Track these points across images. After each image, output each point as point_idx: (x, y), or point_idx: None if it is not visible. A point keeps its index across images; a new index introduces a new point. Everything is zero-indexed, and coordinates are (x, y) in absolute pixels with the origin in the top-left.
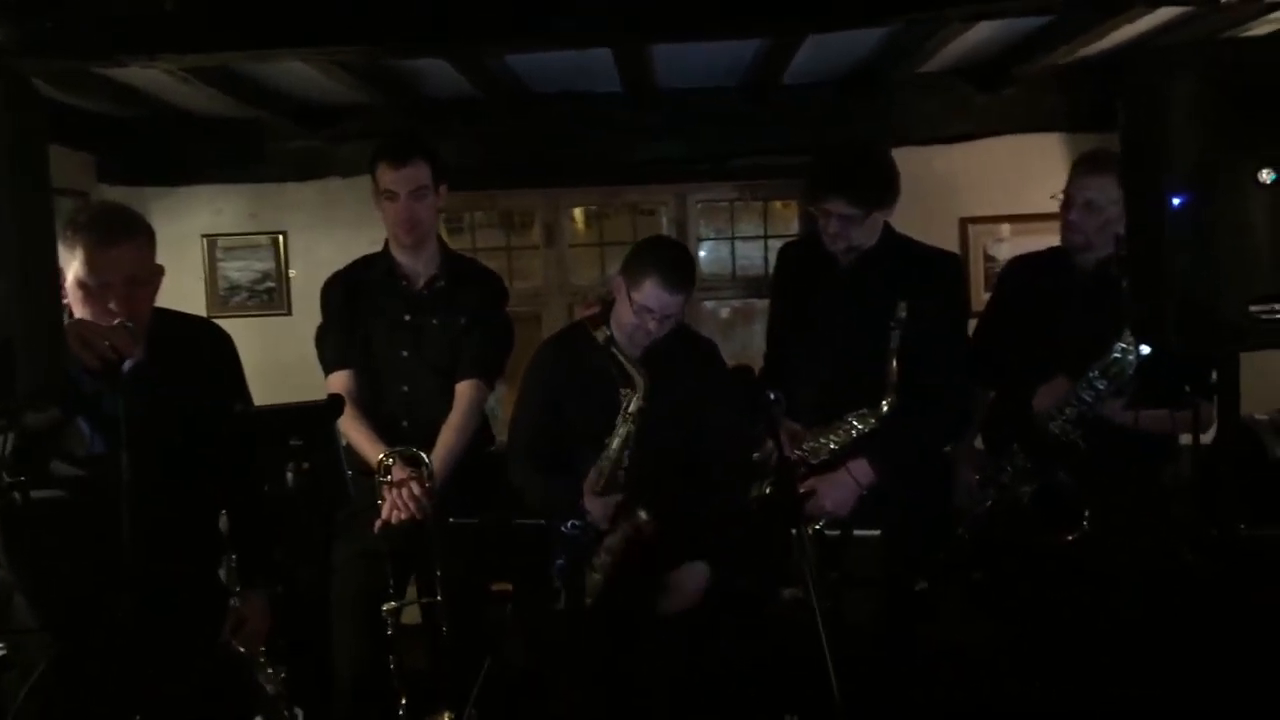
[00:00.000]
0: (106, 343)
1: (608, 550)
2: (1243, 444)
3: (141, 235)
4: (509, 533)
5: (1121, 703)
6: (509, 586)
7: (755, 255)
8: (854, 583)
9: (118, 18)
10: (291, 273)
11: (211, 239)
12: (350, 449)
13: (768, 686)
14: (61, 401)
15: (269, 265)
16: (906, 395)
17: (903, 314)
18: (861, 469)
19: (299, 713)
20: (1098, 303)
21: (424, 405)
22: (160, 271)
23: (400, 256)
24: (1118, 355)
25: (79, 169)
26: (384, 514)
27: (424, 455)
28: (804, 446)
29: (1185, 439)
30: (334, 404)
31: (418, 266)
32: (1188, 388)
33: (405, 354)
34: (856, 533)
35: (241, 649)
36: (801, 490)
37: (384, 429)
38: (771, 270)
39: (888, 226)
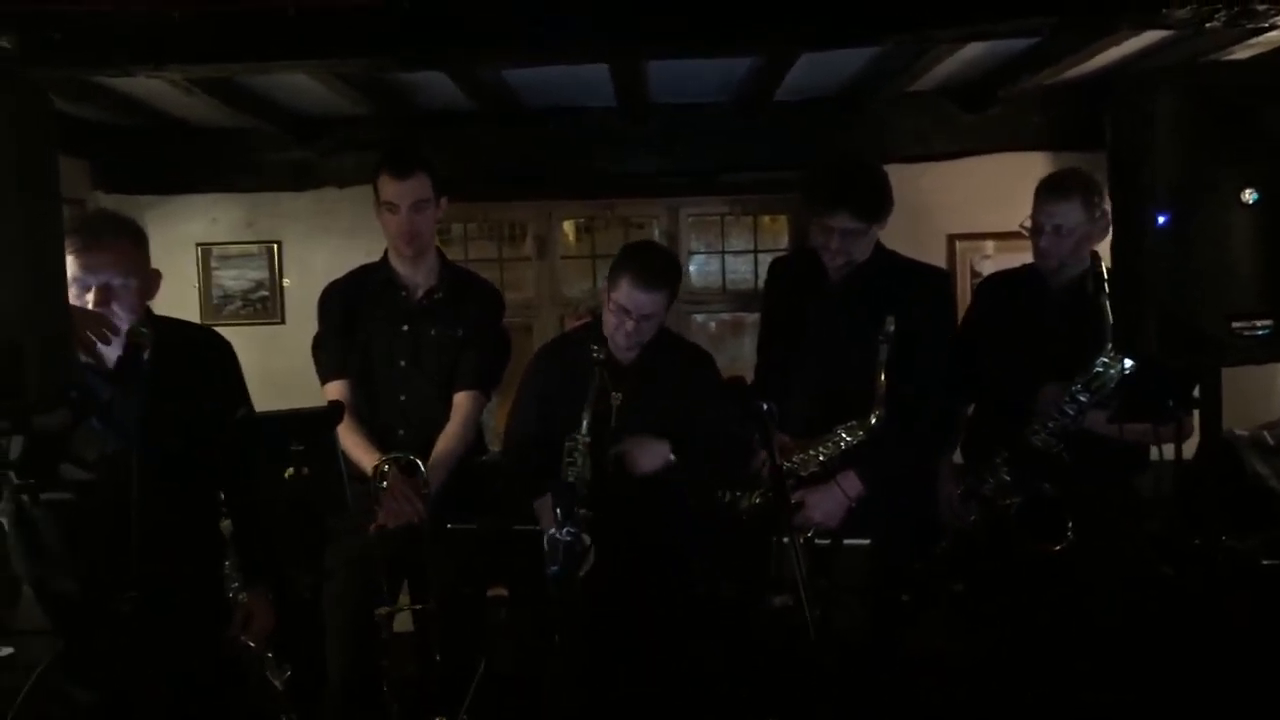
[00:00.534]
0: (86, 331)
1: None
2: (1222, 459)
3: (126, 238)
4: (504, 539)
5: (1100, 711)
6: (504, 592)
7: (745, 269)
8: (843, 590)
9: (125, 28)
10: (286, 282)
11: (206, 248)
12: (347, 456)
13: (754, 691)
14: (70, 405)
15: (263, 274)
16: (894, 409)
17: (891, 328)
18: (850, 481)
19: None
20: (1073, 318)
21: (420, 415)
22: (154, 274)
23: (399, 267)
24: (1100, 370)
25: (76, 177)
26: (379, 520)
27: (419, 462)
28: (793, 459)
29: (1157, 452)
30: (334, 410)
31: (417, 278)
32: (1171, 402)
33: (403, 364)
34: (847, 542)
35: (251, 644)
36: (792, 502)
37: (380, 438)
38: (761, 284)
39: (877, 242)
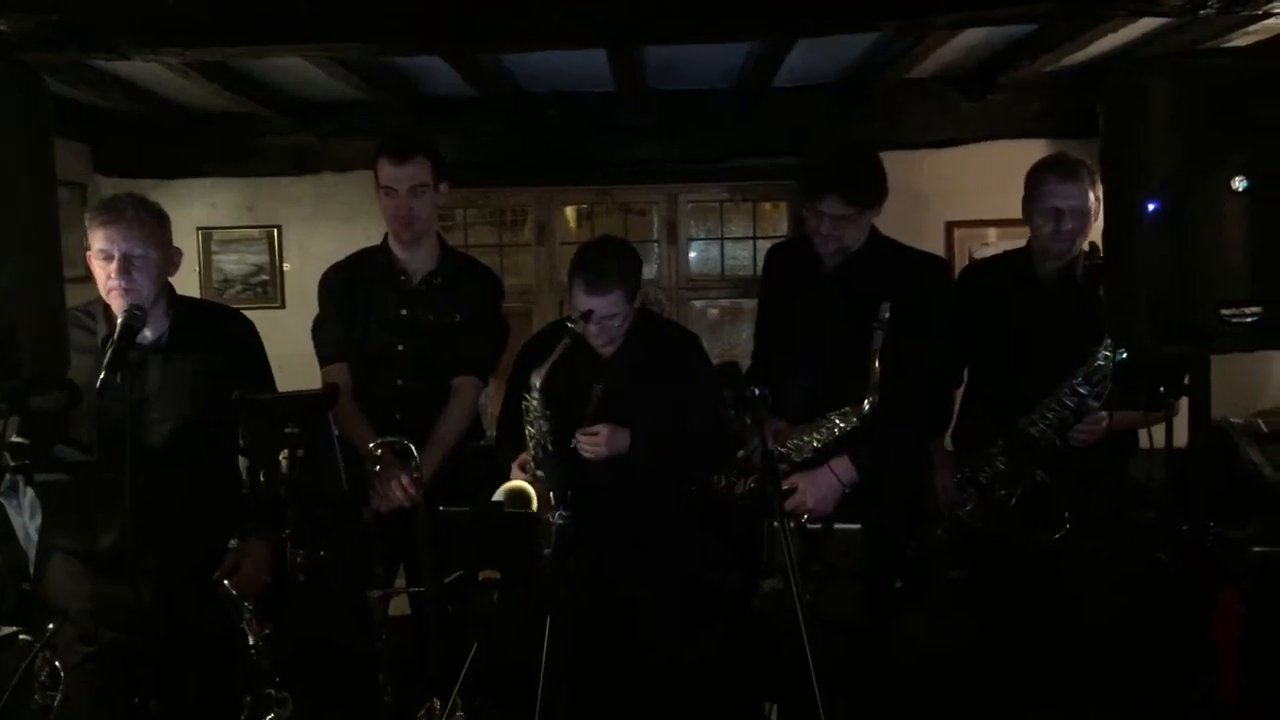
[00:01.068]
0: None
1: None
2: (1216, 447)
3: (149, 214)
4: (498, 522)
5: (1095, 699)
6: (496, 575)
7: (744, 256)
8: (834, 575)
9: (121, 11)
10: (286, 266)
11: (206, 232)
12: (344, 439)
13: (749, 676)
14: (66, 387)
15: (263, 259)
16: (889, 395)
17: (886, 315)
18: (844, 467)
19: (286, 696)
20: (1064, 306)
21: (418, 399)
22: (175, 252)
23: (398, 251)
24: (1101, 362)
25: (76, 160)
26: (373, 503)
27: (413, 447)
28: (787, 444)
29: (1147, 438)
30: (329, 393)
31: (415, 262)
32: (1162, 389)
33: (400, 348)
34: (838, 526)
35: (233, 591)
36: (785, 487)
37: (377, 421)
38: (760, 271)
39: (873, 229)
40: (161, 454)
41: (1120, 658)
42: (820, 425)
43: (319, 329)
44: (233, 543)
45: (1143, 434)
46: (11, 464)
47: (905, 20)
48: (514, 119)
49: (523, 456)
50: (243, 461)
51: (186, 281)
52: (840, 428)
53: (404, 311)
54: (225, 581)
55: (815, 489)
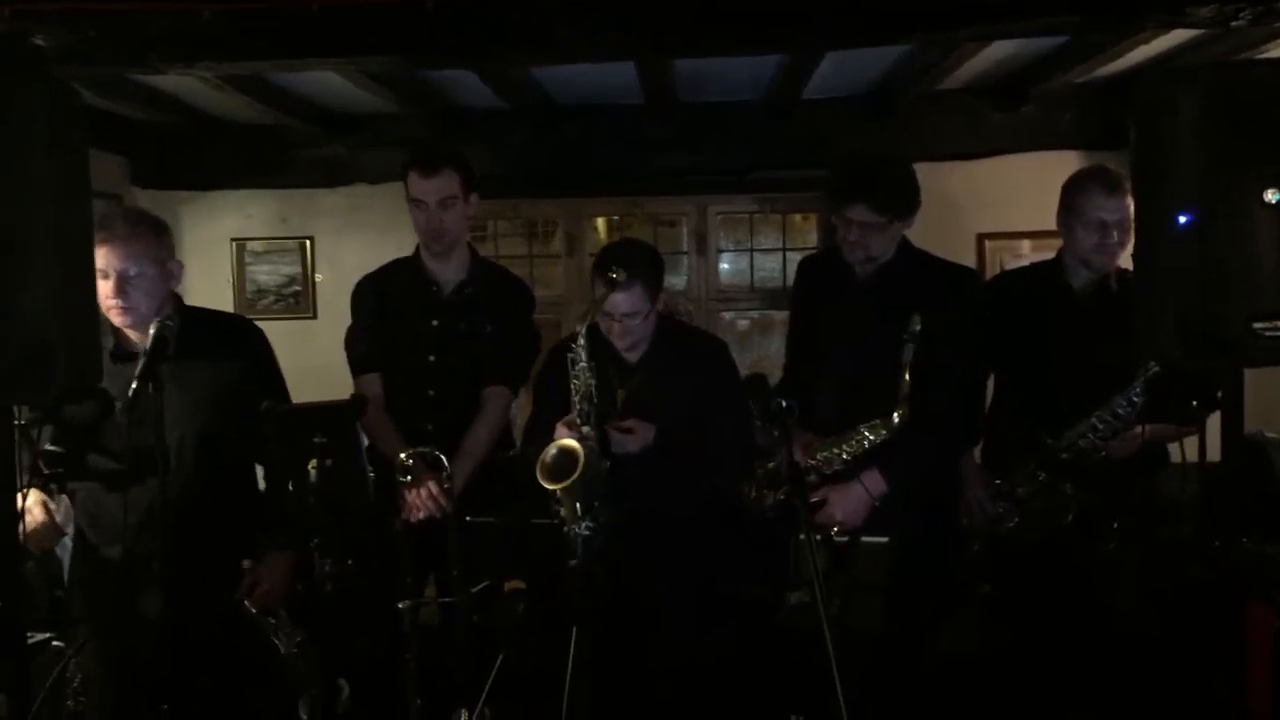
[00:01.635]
0: None
1: None
2: (1251, 461)
3: (144, 229)
4: (524, 532)
5: (1125, 712)
6: (522, 585)
7: (774, 267)
8: (861, 588)
9: (157, 26)
10: (318, 277)
11: (240, 243)
12: (375, 450)
13: (774, 687)
14: (99, 397)
15: (296, 269)
16: (919, 407)
17: (917, 327)
18: (874, 479)
19: (343, 684)
20: (1098, 318)
21: (449, 409)
22: (176, 265)
23: (430, 262)
24: (1157, 370)
25: (114, 172)
26: (404, 513)
27: (443, 458)
28: (817, 456)
29: (1179, 453)
30: (356, 403)
31: (447, 273)
32: (1195, 402)
33: (431, 358)
34: (865, 539)
35: (254, 610)
36: (814, 499)
37: (408, 431)
38: (790, 283)
39: (905, 241)
40: (174, 464)
41: (1151, 670)
42: (850, 437)
43: (351, 340)
44: (247, 563)
45: (1174, 448)
46: (46, 471)
47: (933, 33)
48: (543, 131)
49: (569, 416)
50: (259, 471)
51: (220, 292)
52: (870, 440)
53: (435, 322)
54: (246, 601)
55: (845, 502)
